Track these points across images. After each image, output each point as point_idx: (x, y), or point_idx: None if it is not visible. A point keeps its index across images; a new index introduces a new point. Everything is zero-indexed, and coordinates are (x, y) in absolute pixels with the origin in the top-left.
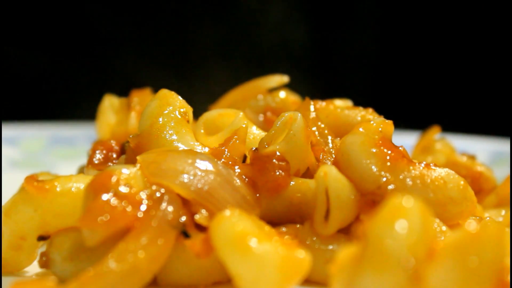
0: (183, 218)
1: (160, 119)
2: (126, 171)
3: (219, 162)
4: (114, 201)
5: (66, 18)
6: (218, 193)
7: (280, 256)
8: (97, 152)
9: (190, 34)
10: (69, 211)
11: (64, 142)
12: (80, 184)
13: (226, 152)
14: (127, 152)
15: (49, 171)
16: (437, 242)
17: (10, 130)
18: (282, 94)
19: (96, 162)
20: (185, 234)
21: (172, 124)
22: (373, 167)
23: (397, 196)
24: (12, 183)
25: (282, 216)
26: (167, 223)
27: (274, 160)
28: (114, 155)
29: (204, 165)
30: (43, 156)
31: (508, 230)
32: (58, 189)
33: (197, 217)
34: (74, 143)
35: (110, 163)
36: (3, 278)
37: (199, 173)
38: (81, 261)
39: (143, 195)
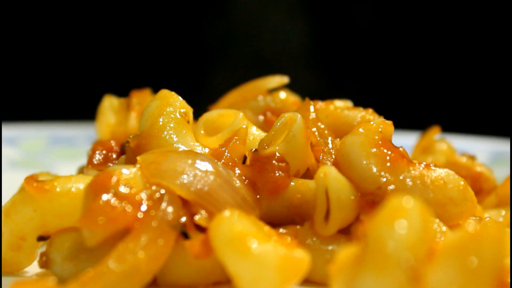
0: (183, 219)
1: (160, 120)
2: (126, 171)
3: (219, 163)
4: (114, 201)
5: (66, 18)
6: (217, 194)
7: (280, 256)
8: (97, 152)
9: (190, 34)
10: (68, 211)
11: (64, 142)
12: (80, 185)
13: (226, 153)
14: (127, 152)
15: (49, 171)
16: (437, 242)
17: (10, 130)
18: (282, 94)
19: (96, 162)
20: (185, 235)
21: (172, 124)
22: (373, 167)
23: (397, 197)
24: (12, 183)
25: (282, 217)
26: (167, 224)
27: (273, 161)
28: (114, 156)
29: (204, 166)
30: (43, 156)
31: (508, 230)
32: (58, 189)
33: (196, 217)
34: (74, 143)
35: (110, 164)
36: (3, 278)
37: (199, 174)
38: (81, 261)
39: (143, 195)
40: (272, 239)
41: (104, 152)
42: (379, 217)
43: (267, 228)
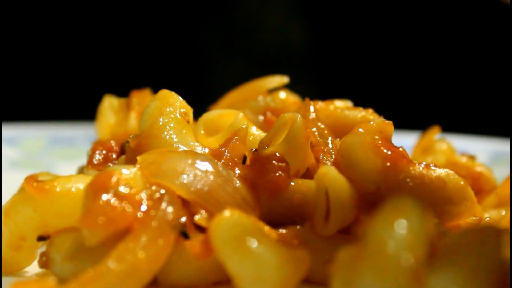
0: (183, 219)
1: (160, 120)
2: (126, 171)
3: (219, 163)
4: (114, 201)
5: (66, 18)
6: (218, 194)
7: (280, 256)
8: (97, 152)
9: (190, 34)
10: (68, 211)
11: (64, 142)
12: (79, 185)
13: (226, 153)
14: (127, 152)
15: (49, 171)
16: (437, 242)
17: (10, 130)
18: (282, 94)
19: (95, 162)
20: (185, 235)
21: (172, 124)
22: (373, 167)
23: (397, 197)
24: (12, 183)
25: (282, 217)
26: (167, 224)
27: (273, 161)
28: (114, 156)
29: (204, 166)
30: (43, 156)
31: (508, 230)
32: (57, 189)
33: (196, 217)
34: (74, 143)
35: (110, 164)
36: (3, 278)
37: (199, 173)
38: (81, 261)
39: (143, 195)
40: (272, 239)
41: (104, 152)
42: (379, 217)
43: (267, 228)
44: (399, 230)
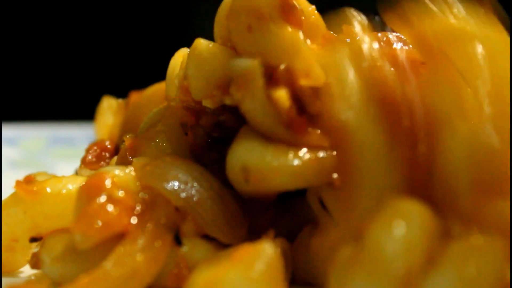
0: (176, 223)
1: (159, 126)
2: (120, 173)
3: (212, 176)
4: (108, 205)
5: (66, 19)
6: (207, 204)
7: (250, 268)
8: (90, 151)
9: (190, 34)
10: (59, 213)
11: (63, 142)
12: (70, 186)
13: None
14: (120, 151)
15: (49, 171)
16: (436, 248)
17: (10, 130)
18: None
19: (89, 161)
20: (178, 240)
21: (170, 133)
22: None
23: (396, 198)
24: (12, 183)
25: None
26: (162, 226)
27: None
28: (107, 155)
29: (197, 175)
30: (42, 156)
31: (509, 237)
32: (48, 190)
33: (183, 226)
34: (74, 143)
35: (102, 162)
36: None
37: (191, 182)
38: (71, 263)
39: (136, 198)
40: (236, 259)
41: (97, 151)
42: (378, 219)
43: (228, 250)
44: (396, 234)
